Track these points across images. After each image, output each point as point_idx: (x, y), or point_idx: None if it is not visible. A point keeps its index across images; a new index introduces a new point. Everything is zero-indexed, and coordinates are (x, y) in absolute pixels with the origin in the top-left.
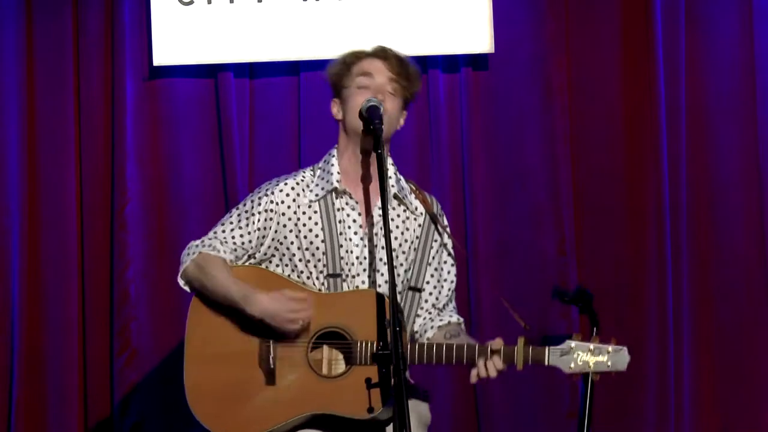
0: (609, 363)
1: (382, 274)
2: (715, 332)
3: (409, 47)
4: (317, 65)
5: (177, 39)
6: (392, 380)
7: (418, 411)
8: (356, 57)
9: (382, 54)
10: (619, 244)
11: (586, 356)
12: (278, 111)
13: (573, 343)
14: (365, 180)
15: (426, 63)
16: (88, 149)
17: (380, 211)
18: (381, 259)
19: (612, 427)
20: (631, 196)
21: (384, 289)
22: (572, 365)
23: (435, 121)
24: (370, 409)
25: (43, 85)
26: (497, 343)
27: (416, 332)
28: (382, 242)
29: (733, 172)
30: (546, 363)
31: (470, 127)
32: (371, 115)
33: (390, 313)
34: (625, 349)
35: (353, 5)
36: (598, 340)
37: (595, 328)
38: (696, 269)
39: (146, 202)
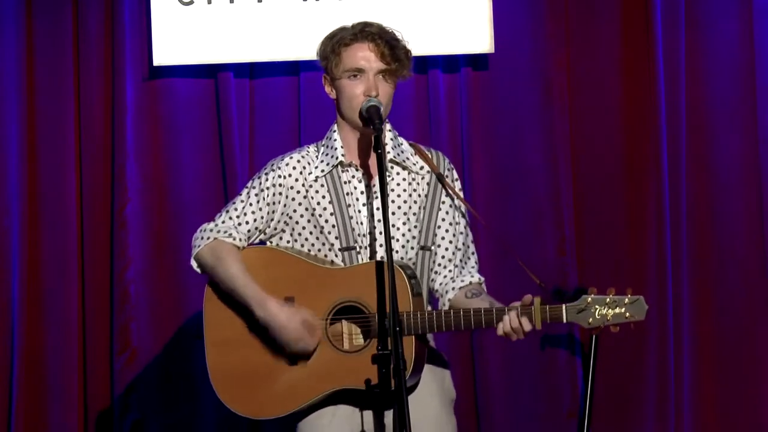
0: (627, 314)
1: (398, 240)
2: (715, 332)
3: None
4: (317, 65)
5: (177, 39)
6: (392, 381)
7: (443, 385)
8: (344, 44)
9: (371, 38)
10: (619, 244)
11: (603, 309)
12: (278, 111)
13: (589, 298)
14: (367, 152)
15: (426, 63)
16: (88, 149)
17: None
18: (393, 225)
19: (612, 427)
20: (631, 196)
21: (396, 256)
22: (590, 320)
23: (435, 121)
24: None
25: (43, 85)
26: (514, 305)
27: (437, 291)
28: (390, 208)
29: (733, 172)
30: (564, 320)
31: (470, 127)
32: (371, 116)
33: (390, 314)
34: (642, 298)
35: (353, 5)
36: (614, 292)
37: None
38: (696, 270)
39: (146, 202)
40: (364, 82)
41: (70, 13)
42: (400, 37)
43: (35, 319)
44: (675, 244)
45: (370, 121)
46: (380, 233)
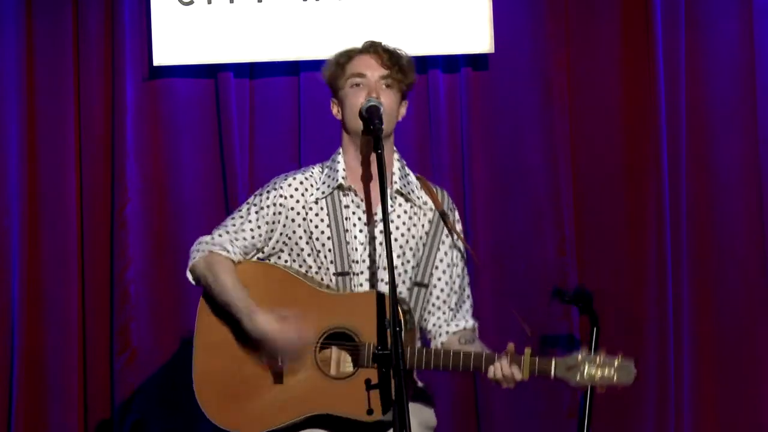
0: (615, 377)
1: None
2: (715, 332)
3: (409, 47)
4: (317, 65)
5: (177, 39)
6: (392, 381)
7: (423, 415)
8: (347, 56)
9: (373, 49)
10: (619, 244)
11: (592, 370)
12: (278, 111)
13: (579, 356)
14: (368, 178)
15: (426, 63)
16: (88, 149)
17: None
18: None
19: (612, 427)
20: (631, 196)
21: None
22: (578, 378)
23: (435, 121)
24: (370, 411)
25: (43, 85)
26: (509, 347)
27: (429, 332)
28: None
29: (733, 172)
30: (552, 375)
31: (470, 127)
32: (371, 115)
33: (390, 313)
34: (632, 363)
35: (353, 5)
36: (604, 353)
37: (595, 329)
38: (696, 269)
39: (146, 202)
40: (366, 88)
41: (70, 13)
42: (401, 52)
43: (35, 319)
44: (675, 244)
45: (370, 121)
46: (374, 261)
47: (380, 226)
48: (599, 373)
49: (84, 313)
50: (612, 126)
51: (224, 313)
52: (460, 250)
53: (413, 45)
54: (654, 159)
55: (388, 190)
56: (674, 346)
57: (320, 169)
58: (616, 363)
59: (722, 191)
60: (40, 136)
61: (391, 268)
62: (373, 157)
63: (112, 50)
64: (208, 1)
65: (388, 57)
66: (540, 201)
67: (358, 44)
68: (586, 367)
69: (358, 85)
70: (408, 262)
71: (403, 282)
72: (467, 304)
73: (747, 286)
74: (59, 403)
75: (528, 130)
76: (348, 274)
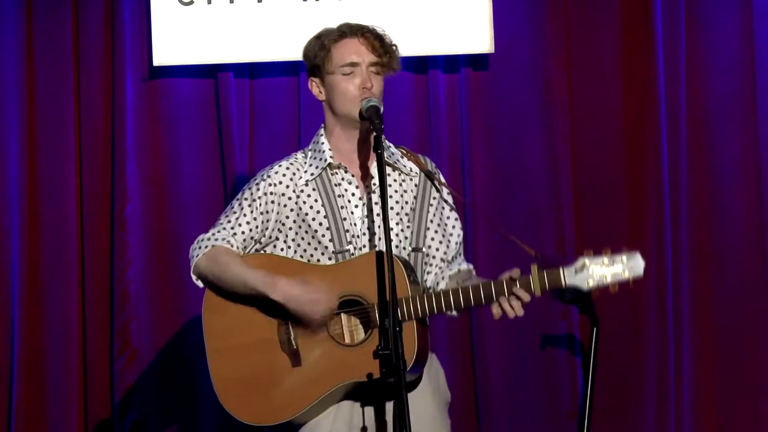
0: (625, 271)
1: (391, 241)
2: (715, 332)
3: (409, 47)
4: None
5: (177, 39)
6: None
7: (438, 384)
8: (334, 39)
9: (361, 33)
10: (619, 244)
11: (601, 269)
12: (278, 111)
13: (586, 260)
14: (358, 152)
15: (426, 63)
16: (88, 149)
17: (375, 181)
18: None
19: (612, 427)
20: (631, 196)
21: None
22: (590, 281)
23: (435, 121)
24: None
25: (43, 85)
26: (514, 272)
27: (429, 287)
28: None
29: (733, 172)
30: (563, 284)
31: (470, 127)
32: (371, 116)
33: (390, 313)
34: (638, 253)
35: (353, 5)
36: (610, 252)
37: (595, 329)
38: (696, 269)
39: (146, 202)
40: (359, 76)
41: (70, 13)
42: (388, 37)
43: (35, 319)
44: (675, 244)
45: (371, 121)
46: (374, 233)
47: (375, 197)
48: (609, 270)
49: (84, 313)
50: (612, 126)
51: (232, 307)
52: (452, 207)
53: (413, 45)
54: (654, 159)
55: (374, 162)
56: (674, 346)
57: (303, 154)
58: (623, 258)
59: (722, 190)
60: (40, 136)
61: (390, 263)
62: (361, 132)
63: (112, 50)
64: (208, 1)
65: (380, 44)
66: (540, 201)
67: (338, 24)
68: (595, 269)
69: (350, 73)
70: (408, 227)
71: (404, 249)
72: (460, 258)
73: (747, 285)
74: (59, 403)
75: (528, 130)
76: (347, 250)
